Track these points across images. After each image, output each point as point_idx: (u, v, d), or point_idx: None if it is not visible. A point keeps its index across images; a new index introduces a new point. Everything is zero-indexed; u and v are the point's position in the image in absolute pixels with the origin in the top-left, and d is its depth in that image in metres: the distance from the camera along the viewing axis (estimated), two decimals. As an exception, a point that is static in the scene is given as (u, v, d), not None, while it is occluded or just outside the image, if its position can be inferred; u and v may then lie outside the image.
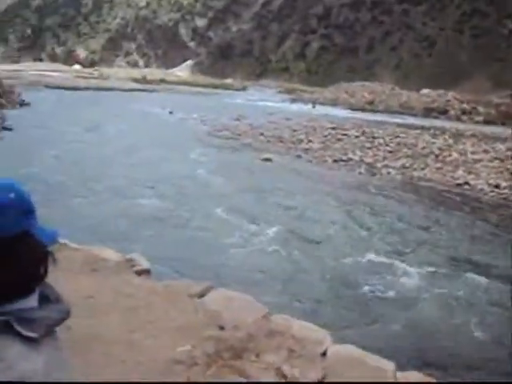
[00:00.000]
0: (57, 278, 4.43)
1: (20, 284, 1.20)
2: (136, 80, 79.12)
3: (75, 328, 4.24)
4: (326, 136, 25.75)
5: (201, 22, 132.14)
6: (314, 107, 48.83)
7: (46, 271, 1.27)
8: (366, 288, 8.29)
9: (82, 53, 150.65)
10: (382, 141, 24.65)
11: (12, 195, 1.21)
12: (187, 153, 19.57)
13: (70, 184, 13.52)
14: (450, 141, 25.89)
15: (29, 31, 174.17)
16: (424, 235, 11.46)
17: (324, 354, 4.44)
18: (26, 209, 1.24)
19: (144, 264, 6.07)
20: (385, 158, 20.44)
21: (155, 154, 18.75)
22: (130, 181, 14.08)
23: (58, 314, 1.28)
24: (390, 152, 21.93)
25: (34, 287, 1.24)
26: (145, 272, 5.95)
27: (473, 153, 22.29)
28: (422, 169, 18.77)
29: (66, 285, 5.27)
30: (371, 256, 9.70)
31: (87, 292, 4.93)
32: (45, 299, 1.28)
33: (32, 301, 1.24)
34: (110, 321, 4.41)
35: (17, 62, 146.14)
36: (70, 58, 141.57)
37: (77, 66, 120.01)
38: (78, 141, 20.81)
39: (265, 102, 51.94)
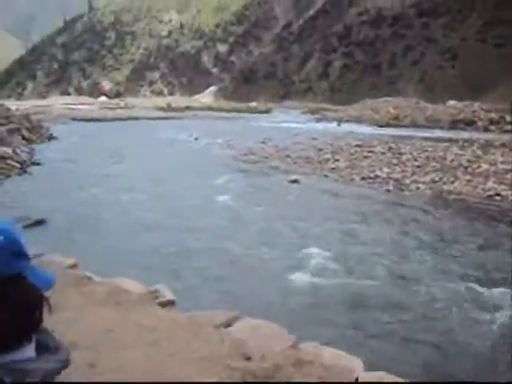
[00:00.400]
0: (80, 313, 4.36)
1: (13, 331, 1.13)
2: (161, 108, 79.97)
3: (98, 364, 4.18)
4: (352, 154, 25.56)
5: (223, 48, 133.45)
6: (339, 125, 48.76)
7: (41, 317, 1.21)
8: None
9: (107, 85, 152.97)
10: (409, 156, 24.36)
11: (1, 238, 1.16)
12: (214, 179, 19.54)
13: (97, 216, 13.52)
14: (479, 152, 25.43)
15: (56, 67, 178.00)
16: (481, 255, 10.89)
17: (355, 381, 4.29)
18: (17, 251, 1.19)
19: (168, 295, 5.98)
20: (413, 174, 20.13)
21: (182, 183, 18.76)
22: (158, 213, 14.01)
23: (56, 364, 1.20)
24: (418, 167, 21.62)
25: (29, 335, 1.17)
26: (169, 303, 5.86)
27: (503, 163, 21.84)
28: (452, 182, 18.43)
29: (88, 319, 5.26)
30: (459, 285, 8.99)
31: (109, 326, 4.85)
32: (43, 348, 1.21)
33: (29, 350, 1.16)
34: (131, 355, 4.32)
35: (45, 96, 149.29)
36: (95, 91, 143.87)
37: (103, 98, 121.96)
38: (104, 172, 20.96)
39: (290, 123, 51.97)
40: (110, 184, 18.13)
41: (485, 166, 21.10)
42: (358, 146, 28.49)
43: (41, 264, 5.23)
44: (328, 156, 25.11)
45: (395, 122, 49.50)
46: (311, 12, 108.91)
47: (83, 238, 11.45)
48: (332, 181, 19.65)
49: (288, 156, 25.62)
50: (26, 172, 21.23)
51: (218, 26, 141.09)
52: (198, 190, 17.28)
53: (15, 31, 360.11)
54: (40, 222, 12.62)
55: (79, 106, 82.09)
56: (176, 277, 8.64)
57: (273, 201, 15.94)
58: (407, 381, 4.54)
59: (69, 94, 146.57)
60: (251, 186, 18.55)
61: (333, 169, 21.95)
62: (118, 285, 6.12)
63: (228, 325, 5.22)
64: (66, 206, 14.68)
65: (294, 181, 19.05)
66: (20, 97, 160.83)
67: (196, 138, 35.84)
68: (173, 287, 6.49)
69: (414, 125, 46.30)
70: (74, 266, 7.19)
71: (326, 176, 20.54)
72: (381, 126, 46.02)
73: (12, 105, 55.53)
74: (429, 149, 26.65)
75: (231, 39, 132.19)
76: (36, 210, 13.68)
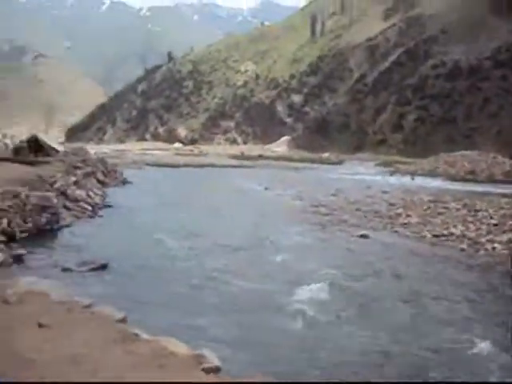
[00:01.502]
0: (120, 375, 4.23)
1: None
2: (234, 156, 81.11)
3: None
4: (424, 210, 24.91)
5: (297, 98, 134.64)
6: (412, 179, 47.95)
7: None
8: None
9: (183, 131, 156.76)
10: (485, 213, 23.48)
11: None
12: (281, 231, 19.41)
13: (162, 265, 13.47)
14: (561, 211, 24.34)
15: (134, 113, 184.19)
16: None
17: None
18: None
19: (214, 361, 5.78)
20: (489, 232, 19.31)
21: (247, 234, 18.70)
22: (223, 264, 13.86)
23: None
24: (495, 225, 20.74)
25: None
26: (214, 370, 5.64)
27: None
28: (531, 243, 17.60)
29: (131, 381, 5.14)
30: None
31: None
32: None
33: None
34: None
35: (123, 141, 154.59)
36: (171, 137, 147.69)
37: (178, 144, 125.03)
38: (173, 219, 21.16)
39: (362, 175, 51.56)
40: (177, 231, 18.14)
41: None
42: (431, 201, 27.78)
43: (92, 315, 5.13)
44: (399, 211, 24.55)
45: (471, 176, 48.29)
46: (386, 64, 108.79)
47: (144, 286, 11.42)
48: (403, 237, 19.09)
49: (358, 209, 25.21)
50: (97, 215, 21.74)
51: (292, 76, 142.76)
52: (262, 243, 17.12)
53: (101, 80, 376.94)
54: (104, 266, 12.74)
55: (154, 152, 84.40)
56: (229, 343, 8.34)
57: (339, 257, 15.53)
58: None
59: (146, 140, 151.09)
60: (317, 239, 18.21)
61: (404, 224, 21.38)
62: (164, 345, 5.93)
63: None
64: (133, 251, 14.78)
65: (363, 236, 18.66)
66: (100, 141, 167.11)
67: (266, 188, 35.89)
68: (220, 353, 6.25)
69: (491, 180, 44.99)
70: (123, 320, 7.10)
71: (396, 232, 19.99)
72: (456, 181, 44.93)
73: (92, 148, 57.75)
74: (506, 206, 25.67)
75: (306, 90, 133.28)
76: (102, 254, 13.82)
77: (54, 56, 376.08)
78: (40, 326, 5.90)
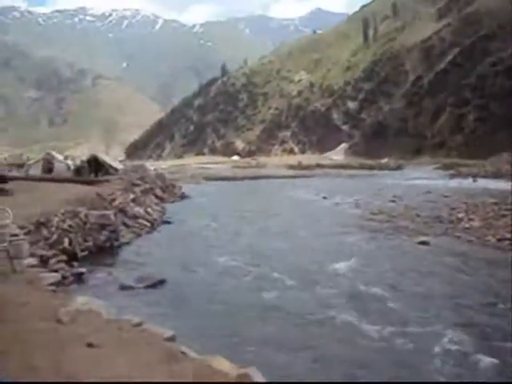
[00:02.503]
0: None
1: None
2: (291, 166, 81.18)
3: None
4: (488, 212, 24.21)
5: (353, 105, 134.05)
6: (474, 181, 46.87)
7: None
8: None
9: (240, 144, 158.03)
10: (551, 214, 22.71)
11: None
12: (341, 240, 19.24)
13: (217, 282, 13.37)
14: None
15: (192, 128, 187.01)
16: None
17: None
18: None
19: (258, 379, 5.71)
20: (556, 234, 18.66)
21: (309, 245, 18.60)
22: (283, 280, 13.73)
23: None
24: (562, 226, 20.05)
25: None
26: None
27: None
28: None
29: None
30: None
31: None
32: None
33: None
34: None
35: (181, 156, 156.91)
36: (229, 150, 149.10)
37: (235, 157, 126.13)
38: (231, 234, 21.21)
39: (422, 180, 50.78)
40: (235, 247, 18.18)
41: None
42: (494, 203, 27.01)
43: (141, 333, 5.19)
44: (461, 215, 23.95)
45: (536, 176, 46.79)
46: (442, 65, 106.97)
47: (198, 304, 11.44)
48: (465, 242, 18.57)
49: (418, 215, 24.76)
50: (155, 231, 22.09)
51: (347, 83, 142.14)
52: (322, 252, 16.98)
53: (157, 98, 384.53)
54: (161, 282, 12.90)
55: (212, 166, 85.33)
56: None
57: (398, 265, 15.21)
58: None
59: (203, 154, 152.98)
60: (377, 248, 17.89)
61: (466, 229, 20.84)
62: (209, 364, 5.95)
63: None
64: (190, 268, 14.85)
65: (423, 242, 18.27)
66: (159, 157, 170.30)
67: (325, 197, 35.68)
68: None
69: (557, 179, 43.46)
70: (171, 339, 7.16)
71: (458, 237, 19.50)
72: (521, 181, 43.60)
73: (151, 165, 58.97)
74: None
75: (361, 96, 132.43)
76: (160, 270, 13.97)
77: (112, 76, 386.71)
78: (89, 345, 6.00)
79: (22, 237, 11.56)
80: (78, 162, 38.88)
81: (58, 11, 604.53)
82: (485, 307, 11.09)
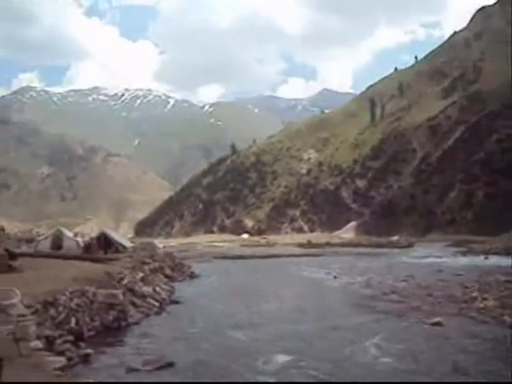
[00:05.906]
0: None
1: None
2: (301, 245, 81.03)
3: None
4: (501, 291, 23.82)
5: (361, 183, 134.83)
6: (486, 258, 46.44)
7: None
8: None
9: (249, 222, 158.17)
10: None
11: None
12: (352, 322, 18.87)
13: (226, 366, 12.99)
14: None
15: (201, 206, 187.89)
16: None
17: None
18: None
19: None
20: None
21: (318, 329, 18.20)
22: (292, 364, 13.40)
23: None
24: None
25: None
26: None
27: None
28: None
29: None
30: None
31: None
32: None
33: None
34: None
35: (189, 234, 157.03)
36: (238, 228, 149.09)
37: (245, 235, 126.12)
38: (241, 315, 20.84)
39: (432, 257, 50.40)
40: (246, 328, 17.85)
41: None
42: (508, 281, 26.62)
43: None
44: (475, 294, 23.53)
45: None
46: (449, 142, 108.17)
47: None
48: (480, 323, 18.14)
49: (430, 295, 24.36)
50: (164, 311, 21.77)
51: (355, 161, 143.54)
52: (331, 337, 16.57)
53: (167, 175, 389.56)
54: (170, 365, 12.60)
55: (221, 244, 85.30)
56: None
57: (410, 350, 14.74)
58: None
59: (213, 232, 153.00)
60: (388, 330, 17.46)
61: (480, 309, 20.44)
62: None
63: None
64: (199, 350, 14.55)
65: (436, 323, 17.87)
66: (168, 235, 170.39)
67: (335, 277, 35.28)
68: None
69: None
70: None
71: (472, 317, 19.09)
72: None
73: (160, 242, 58.96)
74: None
75: (370, 174, 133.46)
76: (168, 352, 13.71)
77: (122, 154, 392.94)
78: None
79: (29, 317, 11.43)
80: (87, 238, 38.97)
81: (72, 91, 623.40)
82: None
